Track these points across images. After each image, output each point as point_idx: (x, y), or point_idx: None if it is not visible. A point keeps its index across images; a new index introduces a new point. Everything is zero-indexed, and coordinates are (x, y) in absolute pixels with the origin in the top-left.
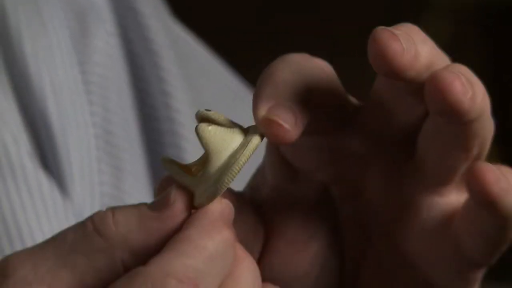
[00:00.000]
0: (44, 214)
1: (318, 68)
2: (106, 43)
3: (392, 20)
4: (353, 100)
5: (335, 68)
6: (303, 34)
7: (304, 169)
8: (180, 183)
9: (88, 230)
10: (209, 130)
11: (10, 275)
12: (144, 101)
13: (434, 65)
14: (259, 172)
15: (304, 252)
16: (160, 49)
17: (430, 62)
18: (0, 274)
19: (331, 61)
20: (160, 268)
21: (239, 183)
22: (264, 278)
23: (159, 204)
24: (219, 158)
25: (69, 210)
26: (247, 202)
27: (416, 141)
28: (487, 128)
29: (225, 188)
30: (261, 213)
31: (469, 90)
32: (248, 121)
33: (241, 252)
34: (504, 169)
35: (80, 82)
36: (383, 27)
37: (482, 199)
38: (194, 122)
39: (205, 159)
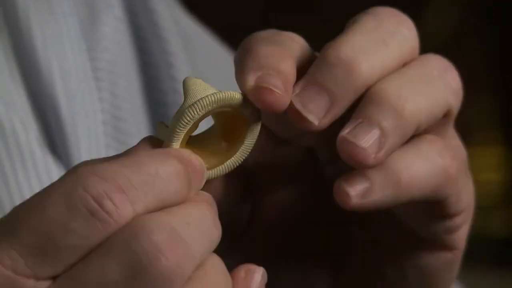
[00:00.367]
0: None
1: (290, 39)
2: (114, 29)
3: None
4: None
5: None
6: (306, 34)
7: (289, 137)
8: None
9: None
10: (194, 81)
11: None
12: (152, 86)
13: None
14: None
15: (291, 212)
16: (168, 35)
17: None
18: None
19: None
20: (92, 168)
21: None
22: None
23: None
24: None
25: None
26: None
27: None
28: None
29: (183, 124)
30: (250, 174)
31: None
32: None
33: (203, 197)
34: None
35: (89, 69)
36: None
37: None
38: None
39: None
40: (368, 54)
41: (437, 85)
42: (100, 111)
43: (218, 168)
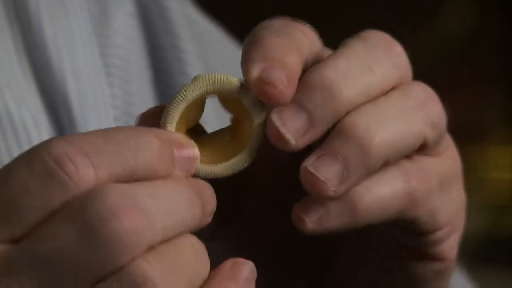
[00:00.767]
0: None
1: (301, 31)
2: (126, 24)
3: (412, 7)
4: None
5: None
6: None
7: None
8: None
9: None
10: (205, 75)
11: None
12: (164, 82)
13: None
14: None
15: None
16: (180, 30)
17: None
18: None
19: None
20: (63, 136)
21: None
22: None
23: None
24: None
25: None
26: None
27: None
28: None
29: (175, 102)
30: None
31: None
32: None
33: (193, 181)
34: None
35: (100, 65)
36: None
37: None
38: None
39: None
40: (351, 80)
41: (412, 118)
42: (112, 107)
43: (221, 165)
